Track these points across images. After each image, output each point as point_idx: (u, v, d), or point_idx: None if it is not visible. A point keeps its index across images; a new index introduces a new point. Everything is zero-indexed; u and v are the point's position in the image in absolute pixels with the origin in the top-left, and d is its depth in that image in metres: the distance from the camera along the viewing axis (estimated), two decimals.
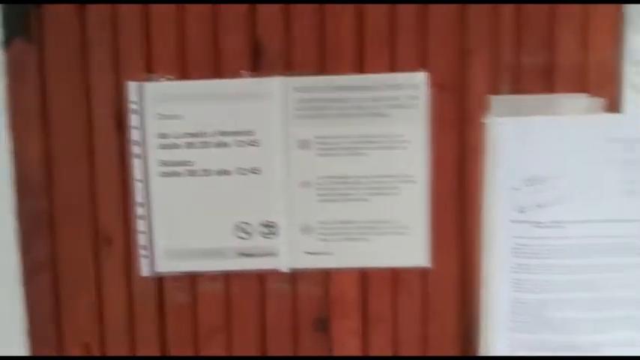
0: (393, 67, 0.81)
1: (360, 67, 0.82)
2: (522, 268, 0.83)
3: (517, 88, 0.81)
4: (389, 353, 0.86)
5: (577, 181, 0.82)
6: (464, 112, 0.81)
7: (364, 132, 0.82)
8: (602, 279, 0.83)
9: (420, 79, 0.81)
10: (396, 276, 0.85)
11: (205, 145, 0.82)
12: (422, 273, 0.85)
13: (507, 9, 0.80)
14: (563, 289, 0.83)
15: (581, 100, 0.80)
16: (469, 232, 0.83)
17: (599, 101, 0.80)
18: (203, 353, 0.86)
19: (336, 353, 0.86)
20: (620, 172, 0.81)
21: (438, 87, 0.81)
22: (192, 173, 0.82)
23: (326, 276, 0.85)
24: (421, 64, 0.81)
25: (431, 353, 0.86)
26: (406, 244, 0.84)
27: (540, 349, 0.85)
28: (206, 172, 0.82)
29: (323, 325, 0.86)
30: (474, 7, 0.79)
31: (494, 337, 0.85)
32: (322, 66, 0.81)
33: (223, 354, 0.86)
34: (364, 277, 0.85)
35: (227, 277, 0.85)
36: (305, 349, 0.86)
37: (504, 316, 0.85)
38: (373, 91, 0.82)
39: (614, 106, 0.80)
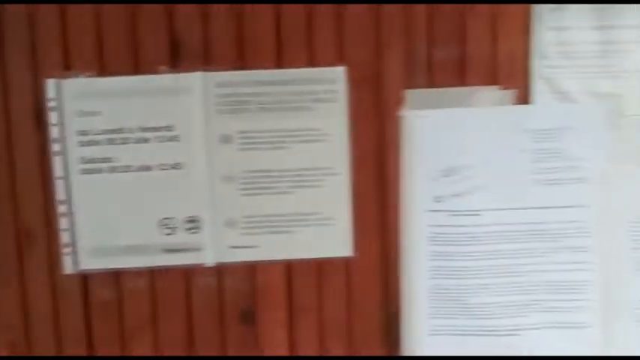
0: (311, 62, 0.83)
1: (279, 62, 0.83)
2: (440, 255, 0.86)
3: (431, 82, 0.83)
4: (315, 343, 0.87)
5: (491, 171, 0.84)
6: (381, 105, 0.84)
7: (285, 126, 0.84)
8: (518, 264, 0.86)
9: (338, 73, 0.83)
10: (320, 267, 0.87)
11: (126, 141, 0.82)
12: (345, 263, 0.87)
13: (421, 5, 0.82)
14: (481, 275, 0.86)
15: (493, 92, 0.83)
16: (389, 222, 0.86)
17: (510, 93, 0.83)
18: (130, 349, 0.86)
19: (263, 345, 0.87)
20: (531, 161, 0.84)
21: (356, 81, 0.83)
22: (113, 170, 0.83)
23: (251, 269, 0.86)
24: (339, 59, 0.83)
25: (355, 341, 0.88)
26: (330, 236, 0.86)
27: (460, 334, 0.87)
28: (127, 169, 0.83)
29: (249, 317, 0.87)
30: (388, 4, 0.81)
31: (415, 323, 0.87)
32: (242, 61, 0.82)
33: (150, 350, 0.86)
34: (289, 269, 0.87)
35: (152, 273, 0.85)
36: (232, 342, 0.87)
37: (424, 303, 0.87)
38: (293, 85, 0.83)
39: (524, 97, 0.83)
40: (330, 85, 0.82)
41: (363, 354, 0.88)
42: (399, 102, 0.83)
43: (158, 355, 0.85)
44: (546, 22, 0.82)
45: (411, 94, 0.82)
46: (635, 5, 0.81)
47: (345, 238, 0.85)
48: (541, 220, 0.85)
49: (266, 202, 0.85)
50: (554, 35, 0.82)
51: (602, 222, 0.85)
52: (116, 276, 0.84)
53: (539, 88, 0.83)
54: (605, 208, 0.84)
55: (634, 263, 0.85)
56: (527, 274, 0.86)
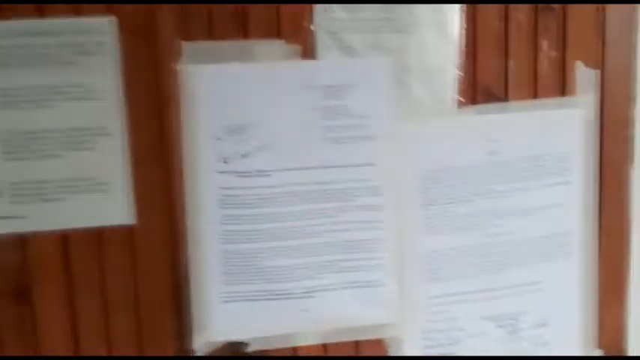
0: (77, 12, 0.74)
1: (41, 11, 0.74)
2: (231, 219, 0.81)
3: (211, 34, 0.77)
4: (98, 317, 0.81)
5: (279, 129, 0.80)
6: (156, 59, 0.77)
7: (50, 82, 0.76)
8: (311, 225, 0.83)
9: (106, 24, 0.75)
10: (100, 236, 0.80)
11: None
12: (128, 231, 0.80)
13: None
14: (273, 238, 0.82)
15: (277, 46, 0.78)
16: (174, 186, 0.80)
17: (294, 48, 0.78)
18: None
19: (41, 324, 0.80)
20: (320, 119, 0.81)
21: (127, 33, 0.76)
22: None
23: (22, 241, 0.78)
24: (108, 8, 0.75)
25: (143, 312, 0.82)
26: (107, 202, 0.79)
27: (255, 299, 0.83)
28: None
29: (23, 295, 0.79)
30: None
31: (207, 290, 0.82)
32: None
33: None
34: (65, 239, 0.79)
35: None
36: (5, 323, 0.78)
37: (217, 269, 0.82)
38: (57, 36, 0.75)
39: (308, 53, 0.79)
40: (98, 37, 0.75)
41: (151, 325, 0.81)
42: (175, 55, 0.76)
43: None
44: None
45: (187, 47, 0.76)
46: None
47: (125, 204, 0.79)
48: (331, 179, 0.82)
49: (34, 166, 0.76)
50: None
51: (391, 180, 0.83)
52: None
53: (323, 42, 0.79)
54: (394, 166, 0.82)
55: (425, 220, 0.84)
56: (320, 234, 0.83)
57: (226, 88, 0.79)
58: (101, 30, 0.75)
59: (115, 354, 0.83)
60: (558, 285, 0.89)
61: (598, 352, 0.91)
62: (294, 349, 0.86)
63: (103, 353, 0.82)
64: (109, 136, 0.77)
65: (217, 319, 0.83)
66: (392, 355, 0.86)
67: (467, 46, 0.82)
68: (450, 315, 0.88)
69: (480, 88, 0.83)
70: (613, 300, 0.90)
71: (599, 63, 0.85)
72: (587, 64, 0.84)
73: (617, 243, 0.89)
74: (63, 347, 0.81)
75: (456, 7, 0.81)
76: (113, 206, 0.79)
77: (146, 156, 0.79)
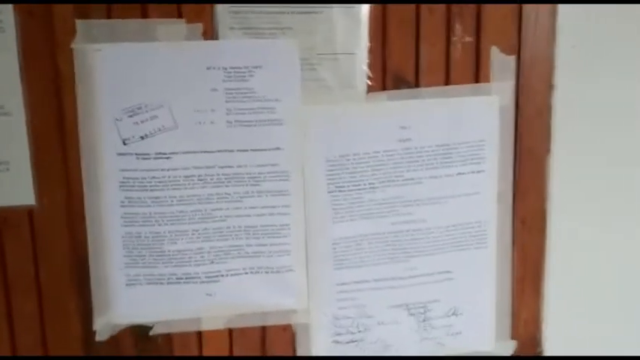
0: None
1: None
2: (132, 201, 0.81)
3: (108, 13, 0.75)
4: (0, 297, 0.80)
5: (180, 111, 0.79)
6: (54, 39, 0.76)
7: None
8: (215, 209, 0.82)
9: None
10: (0, 216, 0.78)
11: None
12: (28, 212, 0.79)
13: None
14: (176, 222, 0.81)
15: (179, 26, 0.77)
16: (74, 167, 0.79)
17: (196, 27, 0.77)
18: None
19: None
20: (222, 101, 0.79)
21: (25, 13, 0.74)
22: None
23: None
24: None
25: (46, 295, 0.81)
26: (8, 182, 0.78)
27: (158, 282, 0.83)
28: None
29: None
30: None
31: (109, 273, 0.82)
32: None
33: None
34: None
35: None
36: None
37: (118, 252, 0.82)
38: None
39: (211, 32, 0.77)
40: None
41: (54, 307, 0.81)
42: (72, 34, 0.74)
43: None
44: None
45: (83, 25, 0.74)
46: None
47: (25, 184, 0.78)
48: (237, 163, 0.81)
49: None
50: None
51: (298, 165, 0.81)
52: None
53: (226, 22, 0.77)
54: (301, 150, 0.81)
55: (332, 206, 0.83)
56: (225, 219, 0.82)
57: (125, 68, 0.77)
58: None
59: (17, 335, 0.81)
60: (470, 274, 0.88)
61: (512, 344, 0.90)
62: (199, 333, 0.85)
63: (5, 335, 0.81)
64: (8, 115, 0.76)
65: (120, 302, 0.83)
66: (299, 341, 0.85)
67: (377, 29, 0.79)
68: (359, 302, 0.87)
69: (390, 73, 0.82)
70: (528, 290, 0.90)
71: (516, 49, 0.82)
72: (503, 50, 0.82)
73: (533, 233, 0.88)
74: None
75: None
76: (13, 186, 0.78)
77: (46, 136, 0.78)
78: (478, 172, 0.85)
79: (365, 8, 0.79)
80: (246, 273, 0.85)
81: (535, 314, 0.90)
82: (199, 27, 0.77)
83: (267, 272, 0.85)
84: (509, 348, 0.90)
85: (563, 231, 0.88)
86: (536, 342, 0.91)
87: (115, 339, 0.84)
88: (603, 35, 0.83)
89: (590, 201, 0.87)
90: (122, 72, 0.77)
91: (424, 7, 0.80)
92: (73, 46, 0.76)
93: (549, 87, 0.84)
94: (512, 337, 0.91)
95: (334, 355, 0.86)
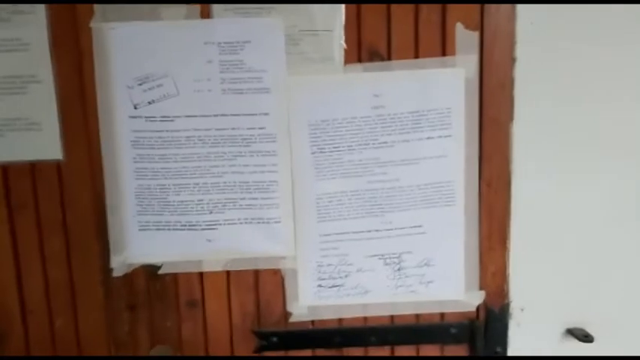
0: None
1: None
2: (142, 158, 0.96)
3: None
4: (34, 238, 0.97)
5: (181, 81, 0.94)
6: (76, 18, 0.91)
7: None
8: (213, 166, 0.96)
9: None
10: (34, 168, 0.96)
11: None
12: (57, 165, 0.96)
13: None
14: (179, 176, 0.96)
15: (180, 7, 0.91)
16: (94, 128, 0.94)
17: (194, 8, 0.91)
18: None
19: None
20: (217, 72, 0.93)
21: None
22: None
23: None
24: None
25: (72, 237, 0.98)
26: (39, 139, 0.95)
27: (165, 229, 0.98)
28: None
29: None
30: None
31: (124, 219, 0.98)
32: None
33: None
34: (5, 170, 0.95)
35: None
36: None
37: (131, 201, 0.97)
38: None
39: (206, 12, 0.91)
40: None
41: (78, 247, 0.97)
42: (91, 14, 0.90)
43: None
44: None
45: (99, 8, 0.90)
46: None
47: (54, 142, 0.94)
48: (230, 126, 0.95)
49: None
50: None
51: (284, 128, 0.95)
52: None
53: (220, 2, 0.91)
54: (287, 116, 0.94)
55: (314, 165, 0.96)
56: (221, 175, 0.96)
57: (135, 43, 0.92)
58: None
59: (48, 269, 0.98)
60: (441, 229, 0.99)
61: (480, 294, 1.01)
62: (201, 274, 0.99)
63: (38, 267, 0.98)
64: (39, 82, 0.92)
65: (133, 244, 0.98)
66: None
67: (352, 8, 0.92)
68: (340, 252, 0.99)
69: (365, 47, 0.93)
70: (495, 245, 1.00)
71: (479, 25, 0.93)
72: (467, 27, 0.93)
73: (498, 193, 0.98)
74: (4, 263, 0.97)
75: None
76: (44, 143, 0.94)
77: (71, 101, 0.94)
78: (446, 136, 0.96)
79: None
80: (241, 223, 0.98)
81: (502, 267, 1.00)
82: (197, 8, 0.91)
83: (258, 222, 0.98)
84: (478, 297, 1.00)
85: (525, 191, 0.97)
86: (503, 293, 1.01)
87: (129, 276, 0.99)
88: (559, 12, 0.92)
89: (549, 164, 0.96)
90: (133, 47, 0.92)
91: None
92: (91, 25, 0.91)
93: (511, 60, 0.94)
94: (481, 288, 1.00)
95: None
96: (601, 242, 0.98)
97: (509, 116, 0.94)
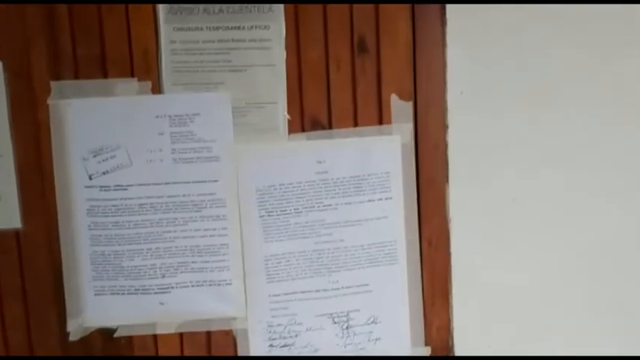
0: None
1: None
2: (97, 225, 1.01)
3: (77, 74, 0.97)
4: None
5: (134, 152, 0.99)
6: (33, 95, 0.97)
7: None
8: (165, 231, 1.01)
9: None
10: None
11: None
12: (16, 234, 1.00)
13: (62, 7, 0.96)
14: (133, 242, 1.01)
15: (132, 83, 0.98)
16: (51, 198, 1.00)
17: (146, 84, 0.98)
18: None
19: None
20: (169, 143, 1.00)
21: (12, 74, 0.97)
22: None
23: None
24: None
25: (30, 302, 1.01)
26: (0, 209, 0.99)
27: (120, 293, 1.02)
28: None
29: None
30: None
31: (80, 284, 1.02)
32: None
33: None
34: None
35: None
36: None
37: (87, 267, 1.02)
38: None
39: (158, 88, 0.98)
40: None
41: (37, 313, 1.01)
42: (48, 92, 0.96)
43: None
44: (172, 22, 0.97)
45: (56, 85, 0.96)
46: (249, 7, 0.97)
47: (14, 211, 0.99)
48: (182, 193, 1.00)
49: None
50: (180, 35, 0.97)
51: (233, 194, 1.00)
52: None
53: (170, 79, 0.97)
54: (235, 182, 1.00)
55: (263, 228, 1.01)
56: (173, 240, 1.01)
57: (90, 118, 0.98)
58: None
59: (9, 336, 1.02)
60: (386, 287, 1.04)
61: (426, 349, 1.05)
62: (155, 336, 1.03)
63: (0, 336, 1.01)
64: (0, 156, 0.98)
65: (89, 309, 1.02)
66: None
67: (294, 82, 0.99)
68: (290, 311, 1.04)
69: (308, 117, 1.00)
70: (438, 302, 1.04)
71: (412, 95, 1.00)
72: (401, 97, 1.00)
73: (438, 251, 1.03)
74: None
75: (283, 49, 0.98)
76: (4, 212, 0.99)
77: (29, 172, 0.99)
78: (386, 199, 1.02)
79: (283, 66, 0.98)
80: (193, 286, 1.03)
81: (445, 323, 1.05)
82: (148, 84, 0.98)
83: (210, 285, 1.02)
84: (424, 353, 1.05)
85: (464, 249, 1.03)
86: (448, 347, 1.05)
87: (86, 339, 1.03)
88: (486, 82, 1.00)
89: (486, 222, 1.02)
90: (88, 121, 0.98)
91: (332, 63, 0.99)
92: (49, 101, 0.97)
93: (444, 126, 1.01)
94: (427, 344, 1.05)
95: (276, 355, 1.03)
96: (541, 291, 1.03)
97: (445, 177, 1.00)
